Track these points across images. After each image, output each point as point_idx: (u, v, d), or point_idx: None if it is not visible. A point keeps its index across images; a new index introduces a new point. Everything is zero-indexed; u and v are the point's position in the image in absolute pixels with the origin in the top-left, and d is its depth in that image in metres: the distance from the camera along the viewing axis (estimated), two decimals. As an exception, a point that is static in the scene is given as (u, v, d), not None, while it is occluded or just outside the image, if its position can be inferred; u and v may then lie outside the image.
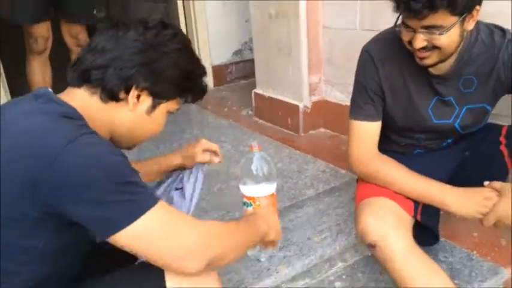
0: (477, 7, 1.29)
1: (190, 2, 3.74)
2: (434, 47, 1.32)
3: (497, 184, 1.40)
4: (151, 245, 0.96)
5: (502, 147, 1.55)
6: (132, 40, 1.06)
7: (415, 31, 1.30)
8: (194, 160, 1.50)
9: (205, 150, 1.51)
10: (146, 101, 1.10)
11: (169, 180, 1.52)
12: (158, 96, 1.11)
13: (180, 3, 3.82)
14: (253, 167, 1.53)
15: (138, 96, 1.08)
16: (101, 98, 1.06)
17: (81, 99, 1.05)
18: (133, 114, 1.10)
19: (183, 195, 1.44)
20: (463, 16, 1.27)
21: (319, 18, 2.65)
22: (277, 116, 2.92)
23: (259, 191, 1.54)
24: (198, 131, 3.04)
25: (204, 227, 1.03)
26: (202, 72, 1.20)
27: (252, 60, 3.21)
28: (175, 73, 1.11)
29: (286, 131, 2.87)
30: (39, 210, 0.93)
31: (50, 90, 1.06)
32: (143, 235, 0.94)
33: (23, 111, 1.00)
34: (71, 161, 0.90)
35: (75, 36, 2.86)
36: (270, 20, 2.81)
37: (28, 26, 2.70)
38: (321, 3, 2.62)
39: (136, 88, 1.06)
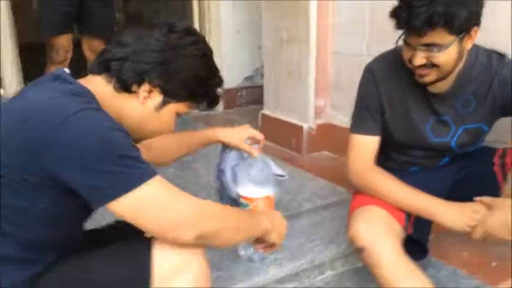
0: (475, 28, 1.37)
1: (206, 30, 3.88)
2: (433, 65, 1.39)
3: (486, 199, 1.44)
4: (146, 215, 1.01)
5: (496, 168, 1.60)
6: (155, 39, 1.11)
7: (415, 49, 1.38)
8: (233, 142, 1.61)
9: (250, 138, 1.61)
10: (157, 97, 1.14)
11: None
12: (169, 95, 1.15)
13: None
14: (252, 169, 1.59)
15: (150, 92, 1.13)
16: (115, 87, 1.12)
17: (97, 84, 1.11)
18: (142, 108, 1.14)
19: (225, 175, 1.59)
20: (461, 36, 1.35)
21: (328, 44, 2.75)
22: (283, 136, 3.00)
23: (257, 192, 1.58)
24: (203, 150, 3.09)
25: (200, 203, 1.08)
26: (218, 82, 1.23)
27: (262, 87, 3.32)
28: (189, 76, 1.15)
29: (290, 151, 2.94)
30: (38, 175, 0.99)
31: (67, 70, 1.12)
32: (138, 205, 1.00)
33: (41, 89, 1.07)
34: (73, 129, 0.96)
35: (95, 50, 2.99)
36: (281, 44, 2.93)
37: (51, 38, 2.87)
38: (331, 29, 2.72)
39: (149, 83, 1.12)
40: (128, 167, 0.99)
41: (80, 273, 1.09)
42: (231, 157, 1.65)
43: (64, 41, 2.90)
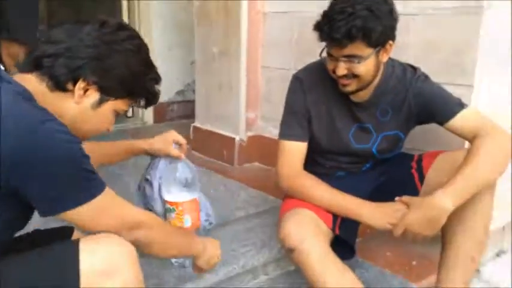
0: (390, 42, 1.50)
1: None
2: (354, 76, 1.50)
3: (406, 198, 1.54)
4: (94, 223, 1.09)
5: (413, 171, 1.71)
6: (87, 34, 1.08)
7: (337, 60, 1.48)
8: (162, 149, 1.61)
9: (175, 141, 1.62)
10: (93, 95, 1.11)
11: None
12: (106, 93, 1.12)
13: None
14: (176, 174, 1.59)
15: (86, 90, 1.10)
16: (48, 86, 1.08)
17: (30, 83, 1.06)
18: (79, 107, 1.11)
19: (151, 185, 1.58)
20: (378, 49, 1.47)
21: (258, 58, 2.83)
22: (214, 148, 3.03)
23: (182, 196, 1.58)
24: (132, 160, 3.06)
25: (139, 213, 1.18)
26: (155, 78, 1.21)
27: (193, 102, 3.33)
28: (125, 72, 1.13)
29: (222, 163, 2.97)
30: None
31: (2, 67, 1.09)
32: (88, 215, 1.06)
33: None
34: (39, 142, 0.96)
35: (14, 56, 2.81)
36: (213, 59, 2.97)
37: None
38: (261, 44, 2.80)
39: (84, 80, 1.09)
40: (87, 179, 1.05)
41: (5, 277, 1.03)
42: (160, 168, 1.64)
43: None
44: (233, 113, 2.89)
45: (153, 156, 1.67)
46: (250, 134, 2.90)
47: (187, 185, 1.59)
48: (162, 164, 1.64)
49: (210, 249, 1.44)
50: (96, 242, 1.07)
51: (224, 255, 1.71)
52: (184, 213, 1.56)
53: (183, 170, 1.60)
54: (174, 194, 1.57)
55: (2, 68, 1.11)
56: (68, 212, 1.03)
